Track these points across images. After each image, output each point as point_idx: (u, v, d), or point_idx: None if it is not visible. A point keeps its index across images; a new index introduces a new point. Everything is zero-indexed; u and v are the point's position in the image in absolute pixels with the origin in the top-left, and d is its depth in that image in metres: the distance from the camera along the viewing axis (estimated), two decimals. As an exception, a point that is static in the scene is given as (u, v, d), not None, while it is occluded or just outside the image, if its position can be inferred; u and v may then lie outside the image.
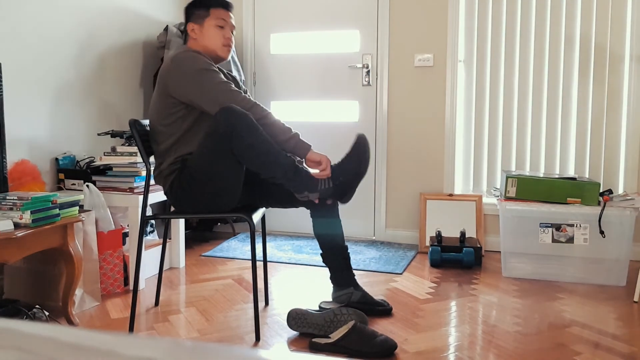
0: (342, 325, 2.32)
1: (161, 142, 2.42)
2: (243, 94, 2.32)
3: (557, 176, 3.27)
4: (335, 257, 2.62)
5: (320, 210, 2.58)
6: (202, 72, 2.33)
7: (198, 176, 2.32)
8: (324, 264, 2.66)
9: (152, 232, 3.55)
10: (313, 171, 2.39)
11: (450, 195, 3.88)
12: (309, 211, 2.61)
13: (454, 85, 3.85)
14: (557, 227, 3.14)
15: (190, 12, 2.51)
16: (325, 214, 2.59)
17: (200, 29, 2.49)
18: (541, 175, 3.31)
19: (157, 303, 2.79)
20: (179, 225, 3.42)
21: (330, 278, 2.66)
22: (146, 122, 2.61)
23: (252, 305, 2.77)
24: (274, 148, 2.28)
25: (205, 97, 2.31)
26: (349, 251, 2.65)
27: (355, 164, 2.38)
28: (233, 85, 2.35)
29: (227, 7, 2.52)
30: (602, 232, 3.03)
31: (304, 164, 2.41)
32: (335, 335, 2.26)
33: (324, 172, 2.37)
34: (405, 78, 3.97)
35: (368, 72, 4.04)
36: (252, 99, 2.33)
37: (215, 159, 2.29)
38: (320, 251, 2.64)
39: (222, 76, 2.38)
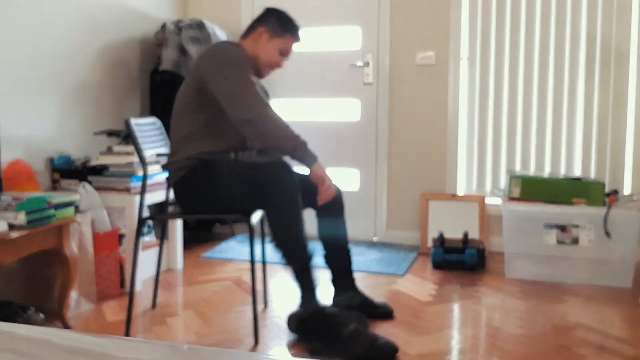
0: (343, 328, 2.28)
1: (179, 131, 2.38)
2: (260, 97, 2.26)
3: (562, 176, 3.25)
4: (338, 260, 2.58)
5: (326, 211, 2.54)
6: (239, 67, 2.29)
7: (215, 187, 2.30)
8: (324, 266, 2.62)
9: (149, 233, 3.51)
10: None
11: (453, 195, 3.84)
12: (313, 212, 2.58)
13: (456, 83, 3.82)
14: (562, 228, 3.11)
15: (271, 20, 2.49)
16: (331, 214, 2.55)
17: (267, 41, 2.47)
18: (546, 175, 3.28)
19: (154, 305, 2.75)
20: (176, 226, 3.38)
21: (332, 281, 2.62)
22: (144, 120, 2.58)
23: (251, 307, 2.73)
24: (302, 235, 2.22)
25: (227, 90, 2.26)
26: (351, 254, 2.62)
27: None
28: (256, 89, 2.29)
29: (299, 41, 2.55)
30: (607, 233, 2.99)
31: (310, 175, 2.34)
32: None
33: (327, 191, 2.28)
34: (407, 76, 3.94)
35: (369, 70, 4.01)
36: (265, 104, 2.26)
37: (243, 191, 2.27)
38: (323, 252, 2.59)
39: (252, 78, 2.33)
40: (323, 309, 2.24)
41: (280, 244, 2.24)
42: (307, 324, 2.25)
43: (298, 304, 2.29)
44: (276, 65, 2.52)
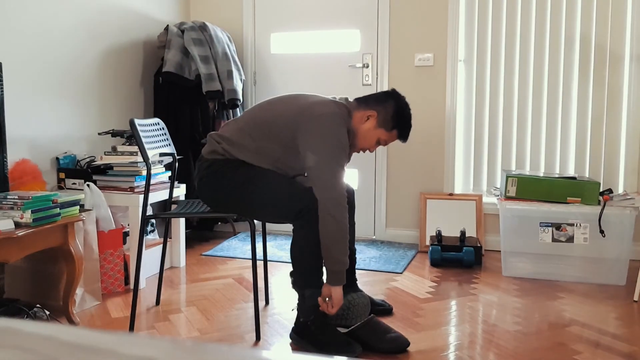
0: (359, 310, 2.37)
1: (252, 135, 2.32)
2: (342, 196, 2.18)
3: (557, 175, 3.27)
4: None
5: None
6: (335, 150, 2.20)
7: (250, 185, 2.27)
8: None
9: (152, 231, 3.55)
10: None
11: (451, 194, 3.88)
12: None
13: (454, 84, 3.85)
14: (557, 227, 3.15)
15: (387, 109, 2.38)
16: None
17: (373, 127, 2.37)
18: (541, 174, 3.31)
19: (157, 302, 2.79)
20: (179, 225, 3.42)
21: None
22: (147, 121, 2.61)
23: (252, 304, 2.77)
24: (319, 260, 2.22)
25: (317, 166, 2.18)
26: (355, 255, 2.66)
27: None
28: (342, 180, 2.22)
29: (404, 140, 2.47)
30: (602, 232, 3.03)
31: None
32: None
33: (328, 309, 2.24)
34: (405, 77, 3.97)
35: (368, 71, 4.04)
36: (343, 206, 2.17)
37: (279, 200, 2.24)
38: None
39: (344, 162, 2.24)
40: (324, 317, 2.27)
41: (300, 253, 2.25)
42: (302, 326, 2.28)
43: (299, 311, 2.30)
44: (366, 149, 2.44)
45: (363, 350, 2.23)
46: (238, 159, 2.32)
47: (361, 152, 2.48)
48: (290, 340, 2.34)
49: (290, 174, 2.37)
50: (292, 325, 2.40)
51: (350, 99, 2.46)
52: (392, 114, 2.39)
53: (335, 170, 2.17)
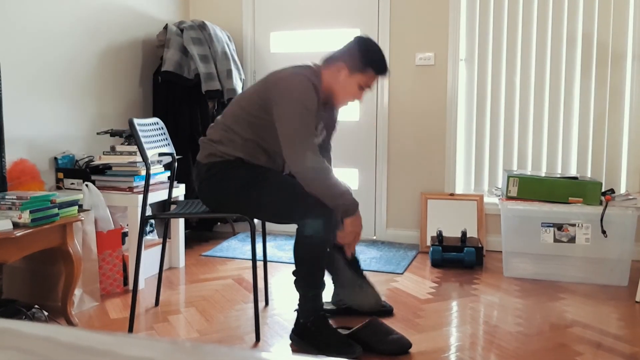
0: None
1: (232, 126, 2.35)
2: (313, 153, 2.20)
3: (558, 176, 3.26)
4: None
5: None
6: (304, 114, 2.21)
7: (251, 188, 2.29)
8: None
9: (151, 231, 3.54)
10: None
11: (452, 194, 3.87)
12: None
13: (455, 84, 3.84)
14: (559, 227, 3.13)
15: (352, 53, 2.36)
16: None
17: (346, 77, 2.36)
18: (543, 174, 3.30)
19: (156, 303, 2.78)
20: (178, 225, 3.41)
21: (332, 279, 2.65)
22: (146, 121, 2.60)
23: (252, 305, 2.76)
24: (322, 262, 2.23)
25: (289, 132, 2.21)
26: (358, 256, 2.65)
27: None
28: (314, 139, 2.24)
29: (385, 75, 2.43)
30: (604, 232, 3.02)
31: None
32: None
33: (348, 246, 2.30)
34: (406, 77, 3.96)
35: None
36: (322, 163, 2.20)
37: (280, 204, 2.25)
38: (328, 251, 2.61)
39: (314, 125, 2.25)
40: (320, 314, 2.27)
41: (301, 264, 2.24)
42: (302, 327, 2.27)
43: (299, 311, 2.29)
44: (352, 100, 2.43)
45: (364, 352, 2.21)
46: (236, 158, 2.33)
47: (351, 102, 2.47)
48: (290, 342, 2.32)
49: (276, 157, 2.40)
50: (292, 326, 2.39)
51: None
52: (360, 55, 2.35)
53: (303, 138, 2.19)
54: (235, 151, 2.33)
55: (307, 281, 2.24)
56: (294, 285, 2.28)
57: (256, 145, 2.34)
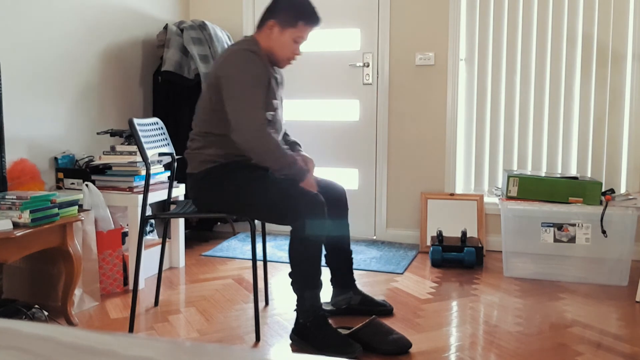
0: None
1: (202, 125, 2.38)
2: (255, 122, 2.24)
3: (559, 175, 3.26)
4: (340, 260, 2.62)
5: (330, 212, 2.57)
6: (248, 85, 2.25)
7: (242, 190, 2.31)
8: (324, 265, 2.64)
9: (151, 231, 3.54)
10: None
11: (452, 194, 3.87)
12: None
13: (455, 84, 3.84)
14: (559, 227, 3.13)
15: (280, 9, 2.37)
16: (335, 215, 2.59)
17: (279, 34, 2.37)
18: (543, 174, 3.29)
19: (156, 303, 2.78)
20: (178, 225, 3.41)
21: (331, 280, 2.65)
22: (146, 121, 2.60)
23: (252, 305, 2.76)
24: (317, 262, 2.24)
25: (231, 106, 2.26)
26: (352, 255, 2.65)
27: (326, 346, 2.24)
28: (261, 112, 2.26)
29: (318, 24, 2.43)
30: (604, 232, 3.02)
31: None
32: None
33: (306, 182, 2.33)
34: (406, 77, 3.96)
35: (369, 70, 4.03)
36: (265, 129, 2.24)
37: (272, 204, 2.27)
38: (324, 252, 2.62)
39: (260, 96, 2.28)
40: (320, 314, 2.27)
41: (297, 263, 2.26)
42: (301, 327, 2.27)
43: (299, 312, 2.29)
44: (292, 56, 2.43)
45: (364, 352, 2.21)
46: (229, 160, 2.35)
47: (292, 60, 2.46)
48: (289, 342, 2.32)
49: None
50: (292, 326, 2.39)
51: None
52: (287, 10, 2.36)
53: (250, 111, 2.23)
54: (221, 149, 2.35)
55: (303, 282, 2.24)
56: (291, 287, 2.29)
57: (232, 140, 2.35)
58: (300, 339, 2.26)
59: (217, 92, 2.32)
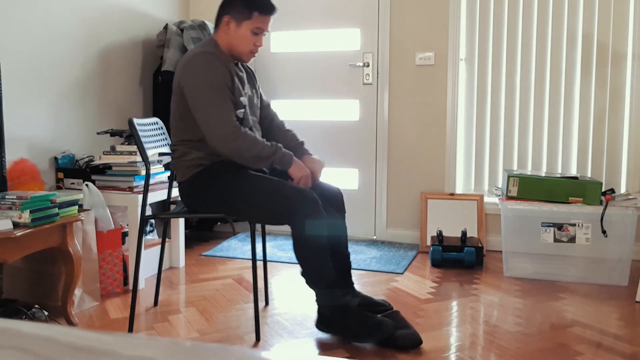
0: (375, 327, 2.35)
1: (179, 133, 2.39)
2: (226, 125, 2.23)
3: (559, 175, 3.26)
4: (337, 262, 2.61)
5: (327, 212, 2.56)
6: (212, 92, 2.25)
7: (234, 192, 2.30)
8: None
9: (151, 231, 3.54)
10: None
11: (452, 194, 3.87)
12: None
13: (455, 84, 3.84)
14: (559, 227, 3.13)
15: (233, 3, 2.34)
16: (332, 215, 2.58)
17: (236, 28, 2.34)
18: (543, 174, 3.30)
19: (156, 303, 2.78)
20: (178, 225, 3.41)
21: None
22: (146, 120, 2.60)
23: (252, 305, 2.76)
24: (323, 256, 2.24)
25: (199, 114, 2.26)
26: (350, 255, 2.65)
27: (357, 332, 2.28)
28: (230, 114, 2.26)
29: (273, 13, 2.37)
30: (604, 232, 3.02)
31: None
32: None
33: (305, 185, 2.33)
34: (406, 77, 3.96)
35: (369, 70, 4.03)
36: (239, 130, 2.24)
37: (266, 204, 2.26)
38: None
39: (226, 99, 2.27)
40: (346, 304, 2.30)
41: (304, 260, 2.27)
42: (332, 320, 2.30)
43: (320, 304, 2.32)
44: (254, 49, 2.38)
45: (376, 345, 2.26)
46: (213, 162, 2.35)
47: (254, 53, 2.42)
48: (290, 342, 2.32)
49: None
50: (292, 325, 2.40)
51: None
52: (240, 2, 2.33)
53: (219, 118, 2.23)
54: (201, 152, 2.35)
55: (317, 279, 2.26)
56: (307, 286, 2.29)
57: (204, 143, 2.35)
58: (333, 330, 2.30)
59: (183, 100, 2.31)
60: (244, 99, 2.39)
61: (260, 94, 2.63)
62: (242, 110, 2.36)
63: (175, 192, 3.26)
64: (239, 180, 2.30)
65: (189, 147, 2.36)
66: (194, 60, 2.29)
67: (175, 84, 2.35)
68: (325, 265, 2.25)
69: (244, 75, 2.49)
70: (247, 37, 2.35)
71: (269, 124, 2.64)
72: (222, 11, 2.38)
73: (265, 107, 2.64)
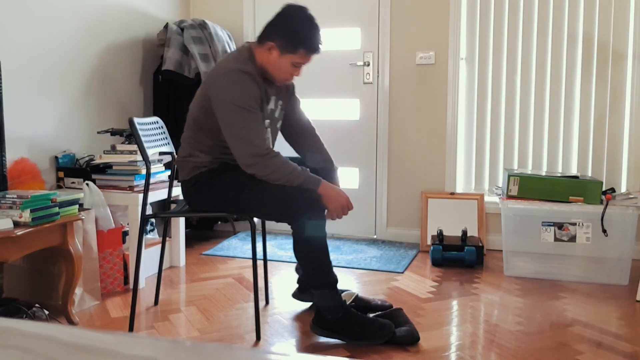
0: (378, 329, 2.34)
1: (191, 138, 2.37)
2: (264, 148, 2.20)
3: (559, 175, 3.26)
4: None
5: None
6: (243, 114, 2.20)
7: (239, 192, 2.30)
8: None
9: (152, 230, 3.54)
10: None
11: (452, 193, 3.87)
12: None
13: (455, 83, 3.84)
14: (560, 226, 3.13)
15: (281, 33, 2.28)
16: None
17: (278, 57, 2.29)
18: (543, 173, 3.29)
19: (157, 302, 2.78)
20: (179, 224, 3.41)
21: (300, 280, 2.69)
22: (146, 120, 2.60)
23: (252, 304, 2.76)
24: (325, 256, 2.24)
25: (229, 133, 2.22)
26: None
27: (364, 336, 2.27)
28: (261, 137, 2.22)
29: (318, 52, 2.33)
30: (604, 231, 3.01)
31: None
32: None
33: (336, 212, 2.29)
34: (406, 76, 3.96)
35: (369, 69, 4.03)
36: (269, 154, 2.20)
37: (270, 203, 2.25)
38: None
39: (259, 121, 2.23)
40: (345, 306, 2.30)
41: (306, 257, 2.26)
42: (332, 322, 2.29)
43: (319, 306, 2.31)
44: (290, 78, 2.37)
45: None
46: (220, 164, 2.35)
47: (288, 81, 2.40)
48: (290, 341, 2.32)
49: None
50: (292, 325, 2.40)
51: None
52: (289, 35, 2.27)
53: (249, 142, 2.19)
54: (209, 155, 2.35)
55: (319, 280, 2.26)
56: (310, 287, 2.29)
57: (222, 148, 2.33)
58: (336, 333, 2.28)
59: (206, 111, 2.28)
60: (267, 122, 2.38)
61: (293, 101, 2.61)
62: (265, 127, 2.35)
63: (175, 192, 3.27)
64: (242, 177, 2.30)
65: (197, 149, 2.36)
66: (227, 76, 2.23)
67: (202, 92, 2.30)
68: (328, 269, 2.25)
69: (273, 89, 2.43)
70: (286, 67, 2.32)
71: (299, 130, 2.64)
72: (269, 34, 2.31)
73: (297, 113, 2.64)
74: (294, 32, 2.27)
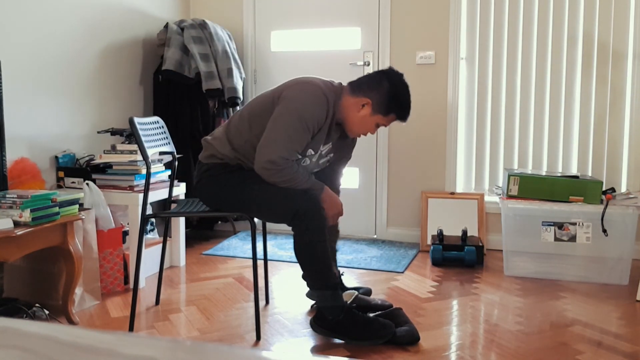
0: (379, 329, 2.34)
1: (241, 126, 2.36)
2: (285, 158, 2.20)
3: (559, 174, 3.26)
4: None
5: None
6: (296, 125, 2.20)
7: (247, 185, 2.31)
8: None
9: (152, 230, 3.54)
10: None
11: (452, 193, 3.87)
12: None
13: (455, 83, 3.84)
14: (560, 226, 3.13)
15: (381, 95, 2.31)
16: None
17: (369, 115, 2.32)
18: (543, 173, 3.29)
19: (157, 302, 2.78)
20: (179, 224, 3.41)
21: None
22: (147, 119, 2.60)
23: (252, 304, 2.76)
24: (325, 258, 2.24)
25: (271, 130, 2.21)
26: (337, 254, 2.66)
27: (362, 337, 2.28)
28: (293, 150, 2.22)
29: (405, 120, 2.40)
30: (604, 231, 3.01)
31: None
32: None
33: (333, 216, 2.34)
34: (406, 76, 3.90)
35: (370, 69, 4.03)
36: (285, 165, 2.20)
37: (275, 203, 2.26)
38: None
39: (303, 137, 2.23)
40: (346, 307, 2.30)
41: (305, 263, 2.27)
42: (333, 323, 2.29)
43: (320, 306, 2.31)
44: (365, 135, 2.42)
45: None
46: (236, 164, 2.37)
47: (362, 136, 2.44)
48: (290, 341, 2.32)
49: None
50: (292, 325, 2.40)
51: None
52: (387, 98, 2.31)
53: (282, 143, 2.19)
54: (232, 153, 2.36)
55: (320, 282, 2.27)
56: (309, 290, 2.30)
57: (249, 152, 2.34)
58: (337, 333, 2.28)
59: (268, 113, 2.28)
60: (311, 153, 2.35)
61: (344, 156, 2.62)
62: (302, 158, 2.33)
63: (176, 191, 3.27)
64: (247, 178, 2.31)
65: (229, 139, 2.36)
66: (309, 90, 2.25)
67: (275, 92, 2.31)
68: (328, 270, 2.26)
69: (336, 137, 2.44)
70: (370, 126, 2.36)
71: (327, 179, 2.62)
72: (368, 90, 2.32)
73: (336, 172, 2.65)
74: (394, 98, 2.32)
